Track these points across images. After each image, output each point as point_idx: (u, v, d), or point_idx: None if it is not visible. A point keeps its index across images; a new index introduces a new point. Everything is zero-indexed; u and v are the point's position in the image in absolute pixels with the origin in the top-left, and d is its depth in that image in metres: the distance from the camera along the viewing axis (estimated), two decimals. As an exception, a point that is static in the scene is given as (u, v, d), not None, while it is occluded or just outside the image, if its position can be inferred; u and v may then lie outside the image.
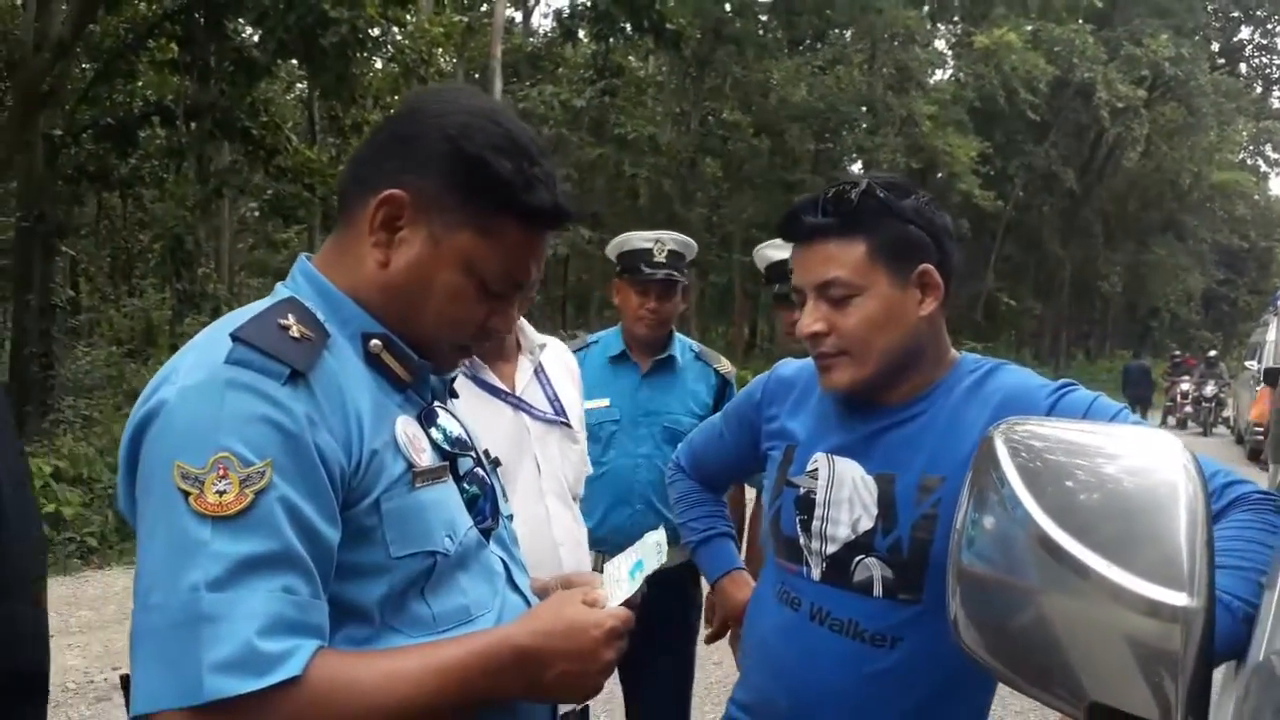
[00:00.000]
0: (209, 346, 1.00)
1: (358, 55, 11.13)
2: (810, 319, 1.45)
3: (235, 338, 0.98)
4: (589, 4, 16.39)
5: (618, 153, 19.78)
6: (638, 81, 21.85)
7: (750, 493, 2.85)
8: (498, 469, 1.31)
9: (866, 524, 1.44)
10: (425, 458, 1.08)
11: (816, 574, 1.49)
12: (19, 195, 11.95)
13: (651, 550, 1.22)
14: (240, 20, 11.94)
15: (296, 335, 1.00)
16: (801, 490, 1.52)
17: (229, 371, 0.96)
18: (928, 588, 1.38)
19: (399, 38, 12.90)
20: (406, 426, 1.08)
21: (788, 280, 2.39)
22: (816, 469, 1.51)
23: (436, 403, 1.19)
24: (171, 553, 0.91)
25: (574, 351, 2.78)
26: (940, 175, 25.40)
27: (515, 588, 1.19)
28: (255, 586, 0.90)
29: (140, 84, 13.01)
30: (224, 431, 0.93)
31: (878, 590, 1.42)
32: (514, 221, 1.09)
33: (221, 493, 0.91)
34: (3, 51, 11.85)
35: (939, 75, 28.21)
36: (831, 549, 1.47)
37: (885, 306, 1.42)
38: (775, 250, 2.64)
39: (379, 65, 16.65)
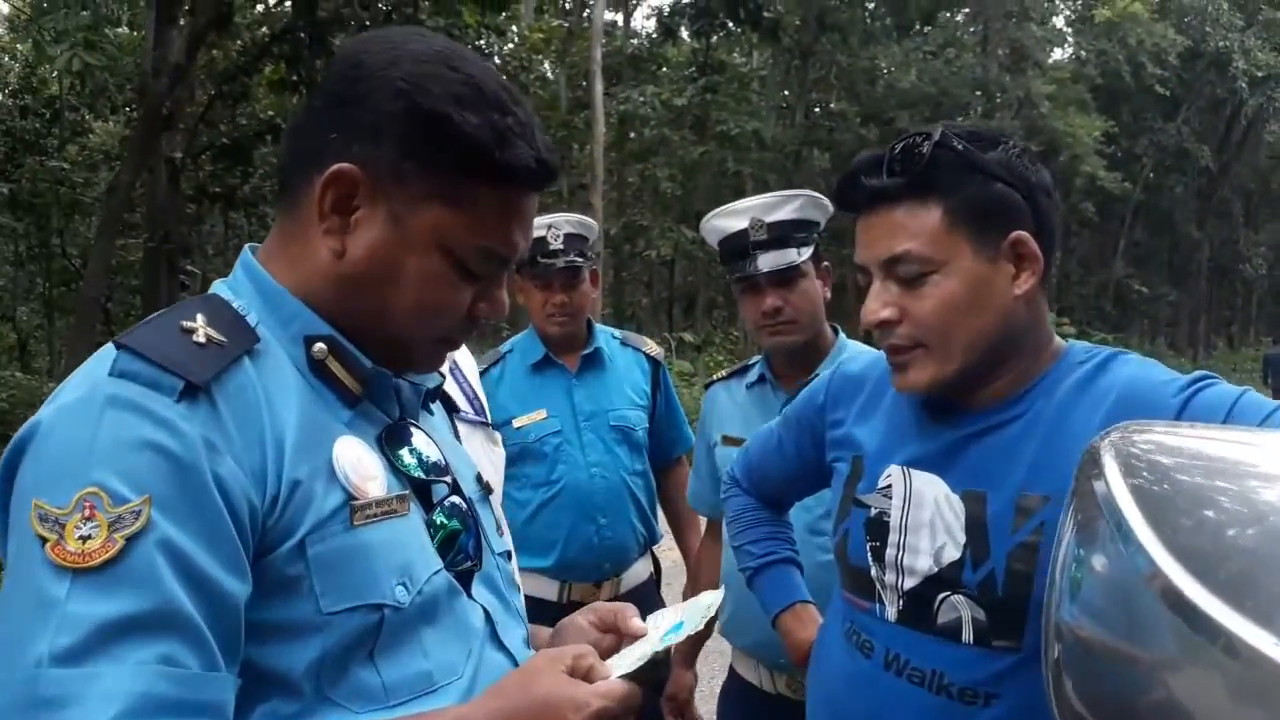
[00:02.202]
0: (99, 358, 0.83)
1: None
2: (877, 303, 1.19)
3: (120, 345, 0.81)
4: (690, 1, 16.26)
5: (721, 149, 19.47)
6: (740, 77, 21.51)
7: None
8: (489, 496, 1.09)
9: (952, 554, 1.18)
10: (373, 486, 0.88)
11: (891, 613, 1.24)
12: (146, 217, 12.53)
13: (698, 612, 0.99)
14: (344, 36, 12.21)
15: (201, 340, 0.82)
16: (872, 511, 1.27)
17: (111, 386, 0.78)
18: (1029, 633, 1.12)
19: (499, 46, 12.95)
20: (348, 448, 0.88)
21: (746, 256, 2.05)
22: (890, 485, 1.26)
23: (409, 419, 0.99)
24: (20, 615, 0.72)
25: (488, 367, 2.55)
26: (1062, 158, 24.20)
27: (500, 645, 0.97)
28: (120, 658, 0.71)
29: (256, 104, 13.47)
30: (96, 461, 0.75)
31: (967, 635, 1.17)
32: (489, 186, 0.90)
33: (85, 538, 0.72)
34: (133, 80, 12.43)
35: (1058, 54, 26.95)
36: (910, 583, 1.21)
37: (970, 285, 1.15)
38: (728, 219, 2.09)
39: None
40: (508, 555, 1.08)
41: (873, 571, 1.26)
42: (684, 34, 18.64)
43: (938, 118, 23.56)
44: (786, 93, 22.34)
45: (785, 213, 2.04)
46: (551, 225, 2.41)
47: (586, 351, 2.51)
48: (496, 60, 13.16)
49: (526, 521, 2.39)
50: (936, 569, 1.19)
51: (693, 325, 21.47)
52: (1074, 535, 0.62)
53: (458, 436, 1.16)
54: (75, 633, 0.70)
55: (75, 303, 12.98)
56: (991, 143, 1.17)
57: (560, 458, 2.42)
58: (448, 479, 0.99)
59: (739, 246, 2.05)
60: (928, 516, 1.20)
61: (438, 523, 0.95)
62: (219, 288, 0.94)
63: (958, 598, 1.17)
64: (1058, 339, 1.25)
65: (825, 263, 2.10)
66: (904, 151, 1.17)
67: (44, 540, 0.73)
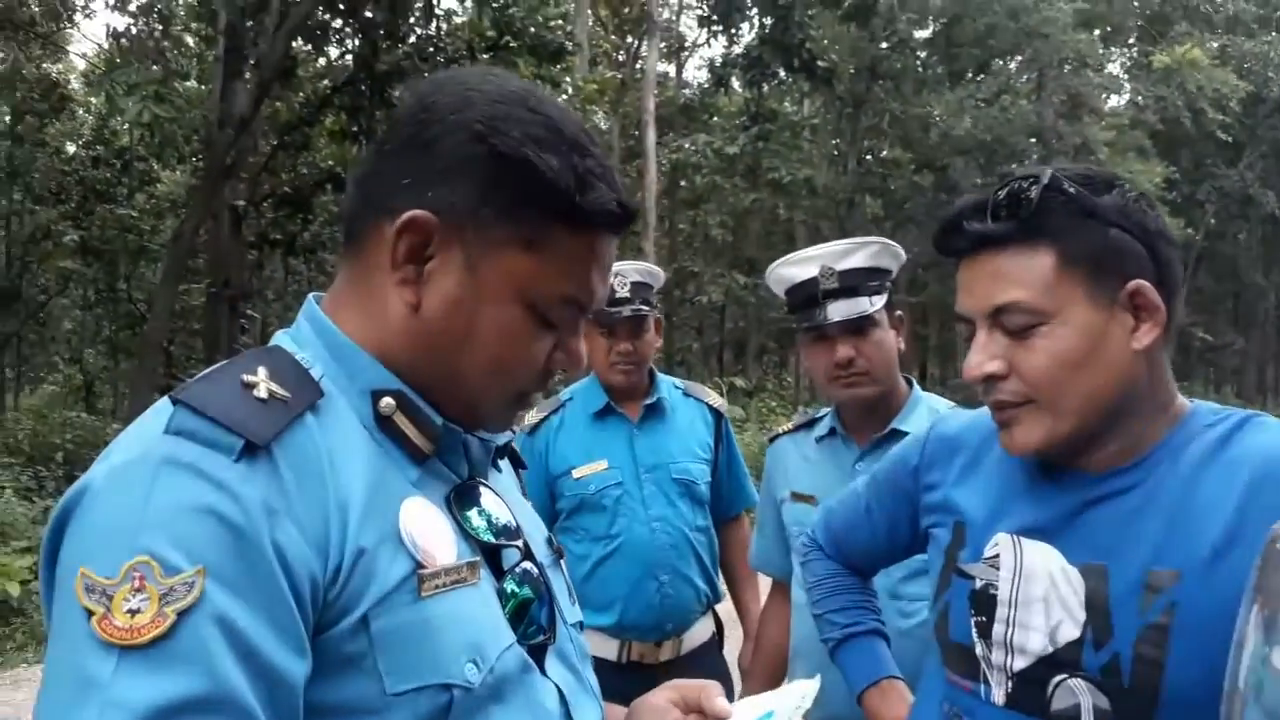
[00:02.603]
0: (155, 413, 0.77)
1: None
2: (982, 356, 1.10)
3: (177, 400, 0.75)
4: (742, 51, 16.40)
5: (772, 197, 19.51)
6: (792, 125, 21.59)
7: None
8: (561, 560, 1.01)
9: (1070, 632, 1.07)
10: (443, 553, 0.81)
11: (999, 696, 1.12)
12: (209, 263, 12.83)
13: (792, 700, 0.92)
14: (403, 88, 12.47)
15: (262, 395, 0.77)
16: (978, 583, 1.16)
17: (166, 445, 0.72)
18: None
19: (554, 98, 13.13)
20: (416, 511, 0.81)
21: (815, 305, 1.96)
22: (998, 555, 1.15)
23: (479, 478, 0.92)
24: (62, 695, 0.67)
25: (546, 415, 2.49)
26: (1120, 204, 23.78)
27: None
28: None
29: (317, 154, 13.77)
30: (148, 527, 0.68)
31: None
32: (570, 231, 0.85)
33: (134, 612, 0.66)
34: (199, 131, 12.82)
35: (1114, 100, 26.66)
36: (1021, 664, 1.10)
37: (1084, 337, 1.05)
38: (796, 267, 2.00)
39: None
40: (580, 625, 1.00)
41: (978, 649, 1.15)
42: (735, 84, 18.79)
43: (992, 165, 23.38)
44: (838, 140, 22.33)
45: (857, 260, 1.96)
46: (618, 273, 2.37)
47: (649, 401, 2.46)
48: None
49: (585, 577, 2.32)
50: (1052, 649, 1.08)
51: (744, 370, 21.37)
52: (1261, 634, 0.53)
53: (525, 494, 1.10)
54: (120, 717, 0.65)
55: (139, 345, 13.27)
56: (1105, 185, 1.08)
57: (621, 510, 2.35)
58: (519, 542, 0.92)
59: (808, 295, 1.97)
60: (1041, 591, 1.10)
61: (509, 591, 0.88)
62: (282, 339, 0.88)
63: (1076, 682, 1.06)
64: (1181, 399, 1.15)
65: (899, 311, 2.03)
66: (1010, 195, 1.08)
67: (90, 613, 0.67)
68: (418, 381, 0.86)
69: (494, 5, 11.36)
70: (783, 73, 16.21)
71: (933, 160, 22.18)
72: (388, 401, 0.84)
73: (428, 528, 0.81)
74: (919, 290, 23.10)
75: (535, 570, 0.92)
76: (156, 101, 8.37)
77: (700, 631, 2.44)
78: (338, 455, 0.78)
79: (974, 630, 1.16)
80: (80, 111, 19.69)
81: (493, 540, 0.88)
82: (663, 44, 20.56)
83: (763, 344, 23.80)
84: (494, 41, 11.11)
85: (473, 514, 0.88)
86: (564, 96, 13.14)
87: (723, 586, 2.55)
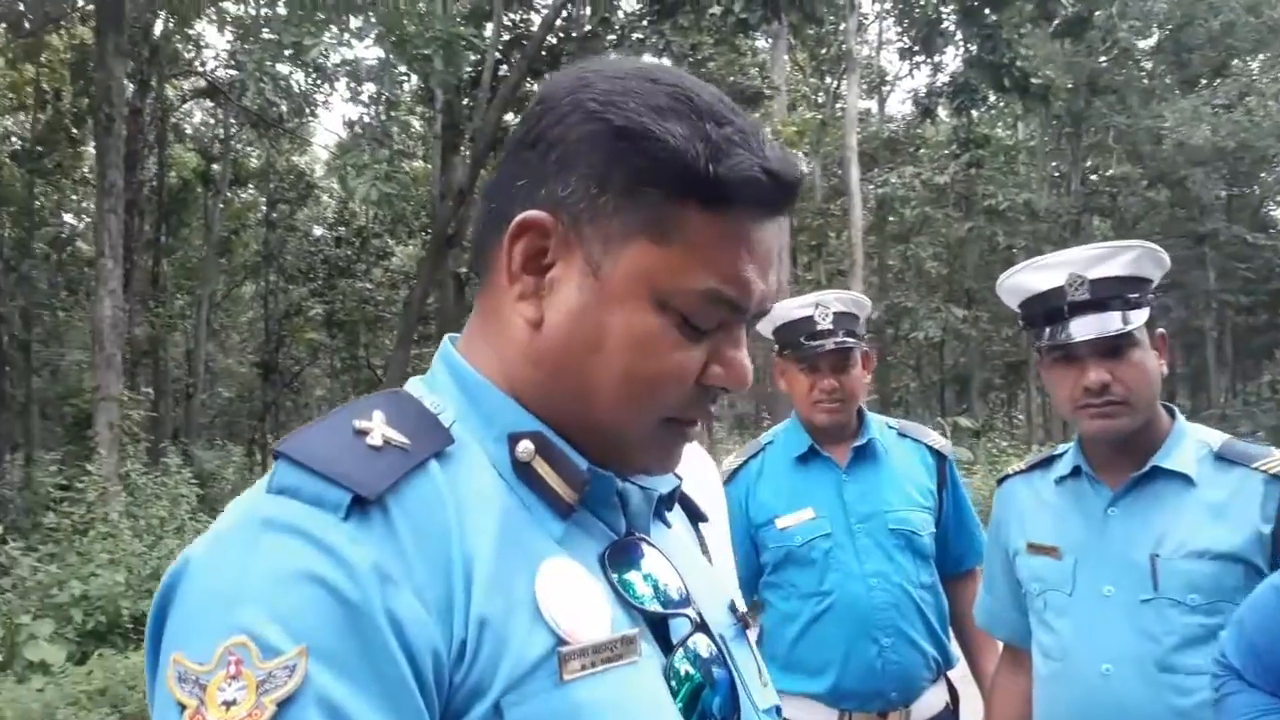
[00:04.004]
0: (268, 474, 0.68)
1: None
2: None
3: (280, 453, 0.65)
4: (948, 78, 15.90)
5: (989, 224, 18.64)
6: (1006, 149, 20.64)
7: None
8: (749, 631, 0.85)
9: None
10: (592, 625, 0.67)
11: None
12: (437, 328, 13.65)
13: None
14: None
15: (376, 443, 0.66)
16: None
17: (268, 505, 0.63)
18: None
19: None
20: (558, 574, 0.68)
21: (1058, 321, 1.67)
22: None
23: (639, 533, 0.78)
24: None
25: (746, 459, 2.31)
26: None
27: None
28: None
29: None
30: (245, 602, 0.59)
31: None
32: (707, 210, 0.69)
33: (229, 704, 0.57)
34: (426, 207, 13.79)
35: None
36: None
37: None
38: (1036, 274, 1.71)
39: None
40: (777, 710, 0.84)
41: None
42: (942, 112, 18.20)
43: (1237, 173, 21.40)
44: (1058, 161, 21.13)
45: (1114, 267, 1.65)
46: (819, 303, 2.20)
47: (858, 443, 2.24)
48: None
49: (796, 638, 2.16)
50: None
51: (968, 409, 20.34)
52: None
53: (706, 552, 0.95)
54: None
55: (377, 409, 14.25)
56: None
57: (832, 565, 2.15)
58: (690, 611, 0.76)
59: (1051, 309, 1.68)
60: None
61: (681, 672, 0.72)
62: (411, 384, 0.78)
63: None
64: None
65: (1160, 329, 1.71)
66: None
67: (183, 707, 0.58)
68: (554, 418, 0.74)
69: (691, 60, 11.57)
70: (992, 95, 15.56)
71: (1168, 174, 20.54)
72: (525, 445, 0.71)
73: (572, 594, 0.68)
74: (1161, 314, 21.31)
75: (715, 645, 0.77)
76: (385, 180, 9.01)
77: (932, 702, 2.20)
78: (467, 509, 0.67)
79: None
80: (324, 197, 21.67)
81: (659, 609, 0.73)
82: (863, 81, 20.25)
83: (988, 380, 22.62)
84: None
85: (633, 577, 0.73)
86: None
87: (957, 651, 2.30)
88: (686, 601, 0.76)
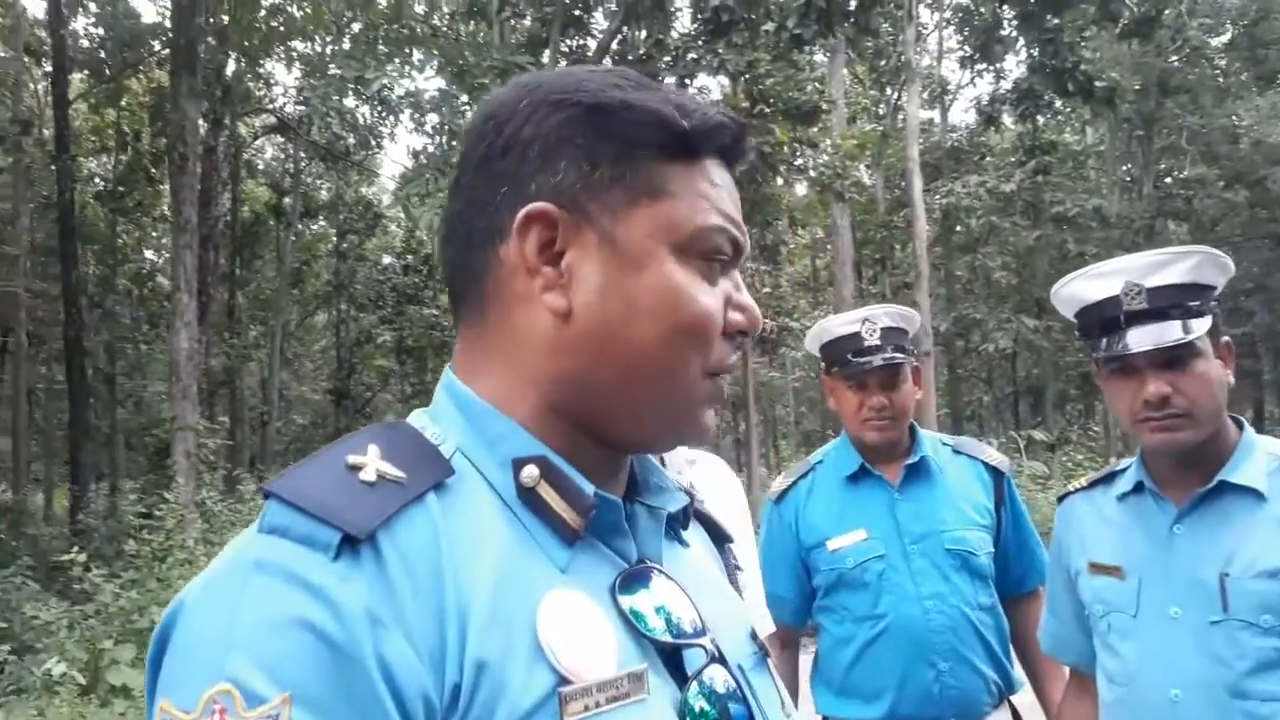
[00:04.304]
0: (261, 514, 0.67)
1: (767, 179, 11.44)
2: None
3: (270, 492, 0.64)
4: (1011, 85, 15.65)
5: (1058, 232, 18.21)
6: (1074, 155, 20.19)
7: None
8: (767, 660, 0.81)
9: None
10: (597, 662, 0.65)
11: None
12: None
13: None
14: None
15: (369, 479, 0.64)
16: None
17: (259, 546, 0.62)
18: None
19: (813, 158, 13.07)
20: (563, 607, 0.66)
21: (1115, 331, 1.60)
22: None
23: (650, 561, 0.74)
24: None
25: (795, 479, 2.26)
26: None
27: None
28: None
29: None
30: (231, 647, 0.58)
31: None
32: (687, 164, 0.74)
33: None
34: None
35: None
36: None
37: None
38: (1092, 282, 1.65)
39: (800, 189, 17.14)
40: None
41: None
42: (1007, 120, 17.88)
43: (1323, 169, 20.58)
44: (1129, 165, 20.59)
45: (1173, 274, 1.58)
46: (866, 319, 2.17)
47: (911, 461, 2.18)
48: (811, 172, 13.23)
49: (851, 663, 2.11)
50: None
51: (1043, 422, 19.82)
52: None
53: (733, 576, 0.92)
54: None
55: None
56: None
57: (886, 587, 2.09)
58: (705, 642, 0.72)
59: (1107, 318, 1.63)
60: None
61: (695, 708, 0.69)
62: (414, 415, 0.76)
63: None
64: None
65: (1226, 338, 1.63)
66: None
67: None
68: (587, 416, 0.73)
69: (746, 77, 11.57)
70: (1058, 100, 15.26)
71: (1245, 174, 19.86)
72: (530, 470, 0.70)
73: (577, 628, 0.65)
74: (1244, 319, 20.56)
75: (731, 678, 0.73)
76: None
77: None
78: (462, 542, 0.65)
79: None
80: (392, 226, 22.15)
81: (670, 639, 0.70)
82: (924, 91, 20.02)
83: (1063, 391, 22.04)
84: (747, 112, 11.27)
85: (644, 607, 0.70)
86: (824, 156, 13.03)
87: (1021, 675, 2.23)
88: (701, 631, 0.73)
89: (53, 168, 14.90)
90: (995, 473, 2.24)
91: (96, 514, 12.49)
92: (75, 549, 7.17)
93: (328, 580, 0.59)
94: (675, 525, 0.80)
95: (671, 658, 0.70)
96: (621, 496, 0.75)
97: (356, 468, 0.65)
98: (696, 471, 1.74)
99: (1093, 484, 1.85)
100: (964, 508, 2.17)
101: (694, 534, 0.86)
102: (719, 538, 0.92)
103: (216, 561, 0.65)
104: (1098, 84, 12.52)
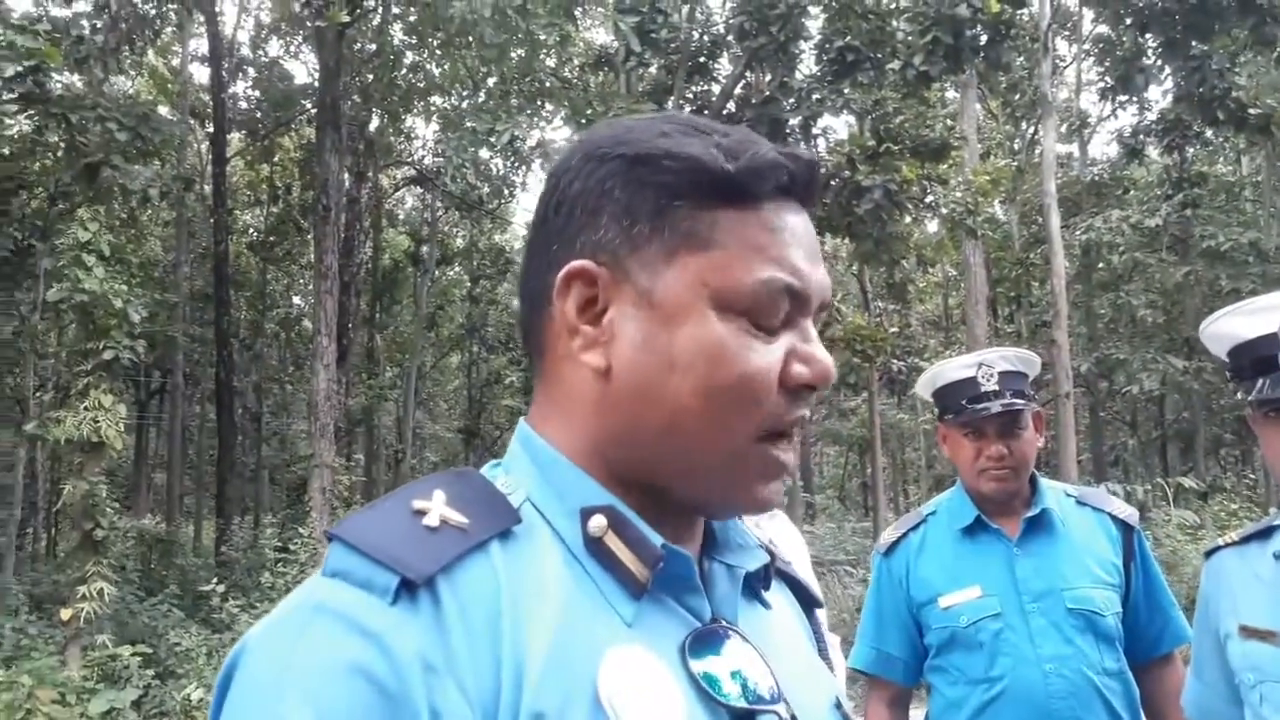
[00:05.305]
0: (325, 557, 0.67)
1: (894, 217, 11.22)
2: None
3: (333, 535, 0.64)
4: (1156, 116, 14.99)
5: (1210, 268, 17.18)
6: (1227, 187, 19.08)
7: None
8: None
9: None
10: None
11: None
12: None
13: None
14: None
15: (433, 524, 0.64)
16: None
17: (321, 590, 0.62)
18: None
19: (944, 195, 12.77)
20: (626, 663, 0.63)
21: (1273, 371, 1.48)
22: None
23: (726, 619, 0.72)
24: None
25: (906, 531, 2.14)
26: None
27: None
28: None
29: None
30: (287, 694, 0.57)
31: None
32: (738, 210, 0.69)
33: None
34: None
35: None
36: None
37: None
38: (1247, 319, 1.54)
39: (931, 227, 16.76)
40: None
41: None
42: (1152, 152, 17.08)
43: None
44: (1290, 195, 19.29)
45: None
46: (982, 363, 2.08)
47: (1031, 514, 2.07)
48: (942, 209, 12.91)
49: None
50: None
51: (1193, 468, 18.60)
52: None
53: (821, 643, 0.87)
54: None
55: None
56: None
57: (1002, 648, 1.98)
58: (780, 709, 0.69)
59: (1261, 358, 1.52)
60: None
61: None
62: (488, 466, 0.76)
63: None
64: None
65: None
66: None
67: None
68: (643, 471, 0.71)
69: (873, 116, 11.43)
70: (1208, 131, 14.50)
71: None
72: (598, 520, 0.68)
73: (639, 685, 0.62)
74: None
75: None
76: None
77: None
78: (525, 591, 0.64)
79: None
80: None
81: (744, 705, 0.66)
82: (1061, 125, 19.33)
83: (1217, 435, 20.66)
84: (873, 150, 11.12)
85: (718, 670, 0.67)
86: (956, 193, 12.69)
87: None
88: (778, 698, 0.69)
89: (211, 220, 15.97)
90: (1124, 526, 2.10)
91: (238, 546, 13.11)
92: (216, 580, 7.54)
93: (384, 625, 0.59)
94: (755, 585, 0.77)
95: None
96: (697, 553, 0.72)
97: (421, 512, 0.65)
98: (775, 526, 1.69)
99: (1247, 539, 1.69)
100: (1089, 564, 2.03)
101: (779, 595, 0.83)
102: (807, 603, 0.88)
103: (283, 603, 0.65)
104: (1251, 111, 11.83)
